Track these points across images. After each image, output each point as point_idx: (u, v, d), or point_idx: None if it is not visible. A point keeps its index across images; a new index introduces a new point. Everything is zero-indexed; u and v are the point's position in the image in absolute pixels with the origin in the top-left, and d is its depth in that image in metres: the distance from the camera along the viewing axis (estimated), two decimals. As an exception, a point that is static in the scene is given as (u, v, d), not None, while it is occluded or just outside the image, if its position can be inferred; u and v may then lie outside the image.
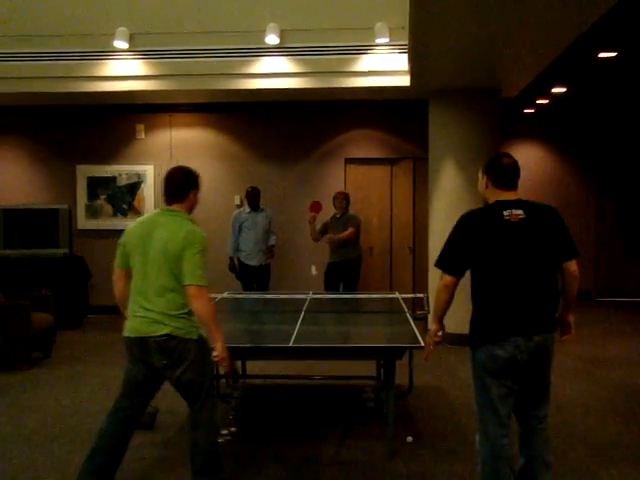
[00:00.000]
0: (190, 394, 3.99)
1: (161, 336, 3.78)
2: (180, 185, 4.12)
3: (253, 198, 9.22)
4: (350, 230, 8.64)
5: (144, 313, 3.86)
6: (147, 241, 3.85)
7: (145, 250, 3.83)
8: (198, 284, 3.72)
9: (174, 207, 4.02)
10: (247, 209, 9.27)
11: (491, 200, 3.70)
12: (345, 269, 8.72)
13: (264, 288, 9.11)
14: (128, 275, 3.96)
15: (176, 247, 3.75)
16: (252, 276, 9.16)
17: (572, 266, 3.61)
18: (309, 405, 6.05)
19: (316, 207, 8.76)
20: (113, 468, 4.01)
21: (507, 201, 3.59)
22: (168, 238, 3.79)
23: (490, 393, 3.52)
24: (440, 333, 3.80)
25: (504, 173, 3.65)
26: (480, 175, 3.82)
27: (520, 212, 3.52)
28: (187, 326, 3.81)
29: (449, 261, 3.72)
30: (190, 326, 3.82)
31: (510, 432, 3.56)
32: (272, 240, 9.39)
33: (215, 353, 3.82)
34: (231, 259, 9.24)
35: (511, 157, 3.73)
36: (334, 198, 8.90)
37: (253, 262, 9.12)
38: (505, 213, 3.53)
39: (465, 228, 3.70)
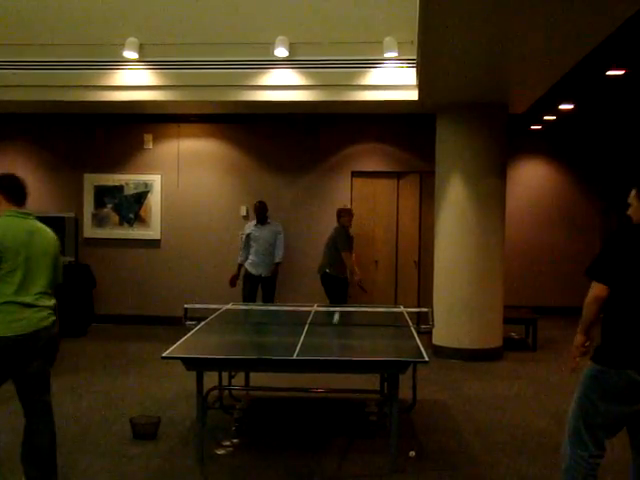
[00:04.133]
0: (45, 384, 4.49)
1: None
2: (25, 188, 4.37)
3: (260, 212, 9.50)
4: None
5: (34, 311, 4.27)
6: (29, 245, 4.18)
7: (29, 253, 4.16)
8: None
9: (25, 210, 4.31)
10: (254, 222, 9.55)
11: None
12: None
13: (269, 300, 9.32)
14: None
15: (55, 250, 4.42)
16: (254, 284, 9.36)
17: None
18: (312, 418, 6.03)
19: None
20: None
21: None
22: (48, 242, 4.35)
23: (606, 417, 3.47)
24: (587, 344, 3.64)
25: None
26: (635, 201, 3.86)
27: None
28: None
29: (604, 270, 3.56)
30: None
31: (606, 448, 3.55)
32: (278, 257, 9.51)
33: None
34: (239, 266, 9.49)
35: None
36: (347, 214, 9.25)
37: (254, 271, 9.34)
38: None
39: (623, 243, 3.65)
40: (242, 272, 9.47)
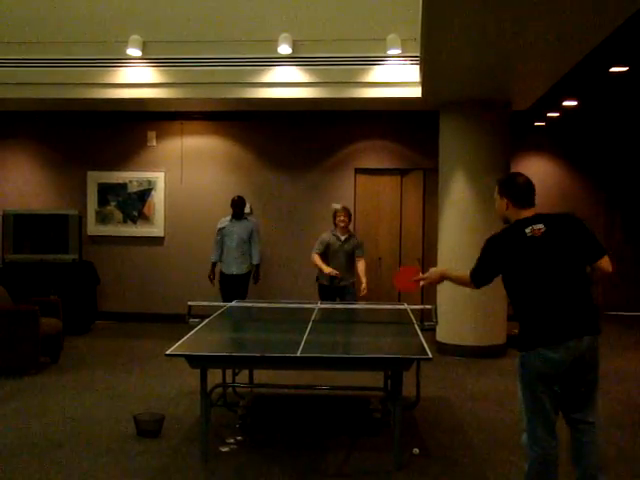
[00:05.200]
0: None
1: None
2: None
3: (236, 207, 9.13)
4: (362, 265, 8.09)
5: None
6: None
7: None
8: None
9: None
10: (229, 217, 9.20)
11: (512, 219, 3.85)
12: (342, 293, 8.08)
13: (241, 297, 8.76)
14: None
15: None
16: (229, 285, 9.05)
17: (603, 263, 3.75)
18: (315, 415, 6.03)
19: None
20: None
21: (526, 219, 3.77)
22: None
23: (541, 399, 3.62)
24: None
25: (522, 193, 3.83)
26: (497, 197, 3.96)
27: (541, 226, 3.70)
28: None
29: (478, 274, 4.09)
30: None
31: (557, 435, 3.67)
32: (255, 258, 9.13)
33: None
34: (213, 265, 9.21)
35: (524, 176, 3.91)
36: (337, 214, 8.14)
37: (229, 271, 9.06)
38: (527, 230, 3.71)
39: (492, 249, 3.92)
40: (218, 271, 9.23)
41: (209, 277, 9.21)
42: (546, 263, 3.66)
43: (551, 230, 3.69)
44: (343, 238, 8.00)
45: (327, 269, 7.81)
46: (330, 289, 7.98)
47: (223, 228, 9.12)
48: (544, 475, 3.65)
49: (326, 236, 8.05)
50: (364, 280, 7.93)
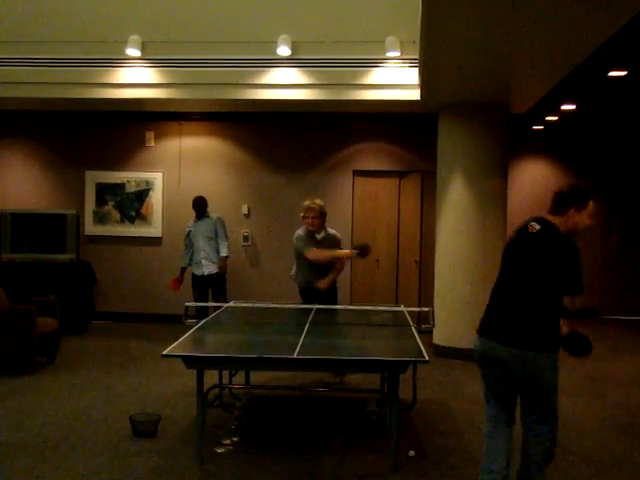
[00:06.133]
0: None
1: None
2: None
3: (197, 207, 9.11)
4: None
5: None
6: None
7: None
8: None
9: None
10: (194, 219, 9.20)
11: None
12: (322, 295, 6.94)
13: (216, 299, 8.83)
14: None
15: None
16: (199, 286, 9.00)
17: (566, 301, 3.74)
18: (312, 417, 6.03)
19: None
20: None
21: (535, 217, 3.90)
22: None
23: (483, 380, 4.03)
24: None
25: (552, 199, 3.92)
26: (577, 212, 3.95)
27: (538, 227, 3.79)
28: None
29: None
30: None
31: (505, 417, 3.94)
32: (223, 250, 9.05)
33: None
34: (182, 270, 9.22)
35: (565, 186, 3.93)
36: (307, 210, 6.92)
37: (199, 272, 9.02)
38: (529, 225, 3.84)
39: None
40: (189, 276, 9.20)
41: (175, 281, 9.17)
42: (519, 258, 3.82)
43: (543, 234, 3.76)
44: (319, 237, 6.97)
45: (345, 252, 7.01)
46: (309, 290, 7.02)
47: (190, 231, 9.12)
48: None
49: (301, 232, 6.98)
50: (331, 276, 6.98)
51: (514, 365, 3.72)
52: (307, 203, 6.92)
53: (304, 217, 6.89)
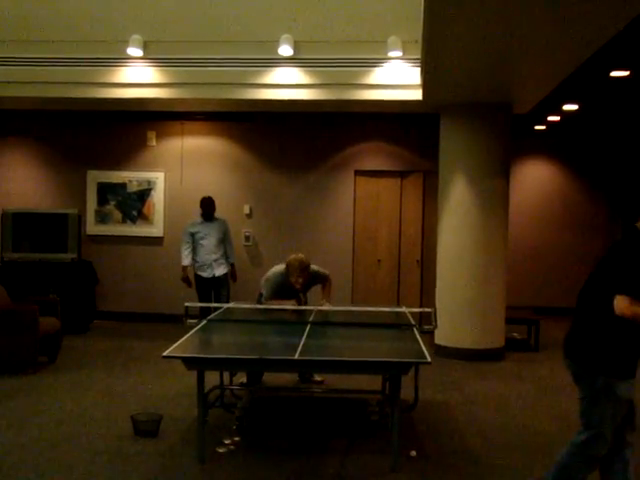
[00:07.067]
0: None
1: None
2: None
3: (206, 208, 9.12)
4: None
5: None
6: None
7: None
8: None
9: None
10: (199, 219, 9.19)
11: None
12: None
13: (219, 300, 8.80)
14: None
15: None
16: (206, 287, 9.04)
17: (613, 302, 3.57)
18: (313, 417, 6.02)
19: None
20: None
21: None
22: None
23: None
24: None
25: None
26: None
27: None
28: None
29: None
30: None
31: None
32: (231, 257, 9.23)
33: None
34: (184, 269, 9.16)
35: None
36: (288, 267, 6.39)
37: (206, 274, 9.04)
38: None
39: None
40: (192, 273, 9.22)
41: (185, 280, 9.16)
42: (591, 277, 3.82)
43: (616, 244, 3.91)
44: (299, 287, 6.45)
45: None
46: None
47: (196, 233, 9.06)
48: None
49: (279, 278, 6.50)
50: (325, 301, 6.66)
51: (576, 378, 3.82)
52: (296, 264, 6.29)
53: (290, 275, 6.30)
